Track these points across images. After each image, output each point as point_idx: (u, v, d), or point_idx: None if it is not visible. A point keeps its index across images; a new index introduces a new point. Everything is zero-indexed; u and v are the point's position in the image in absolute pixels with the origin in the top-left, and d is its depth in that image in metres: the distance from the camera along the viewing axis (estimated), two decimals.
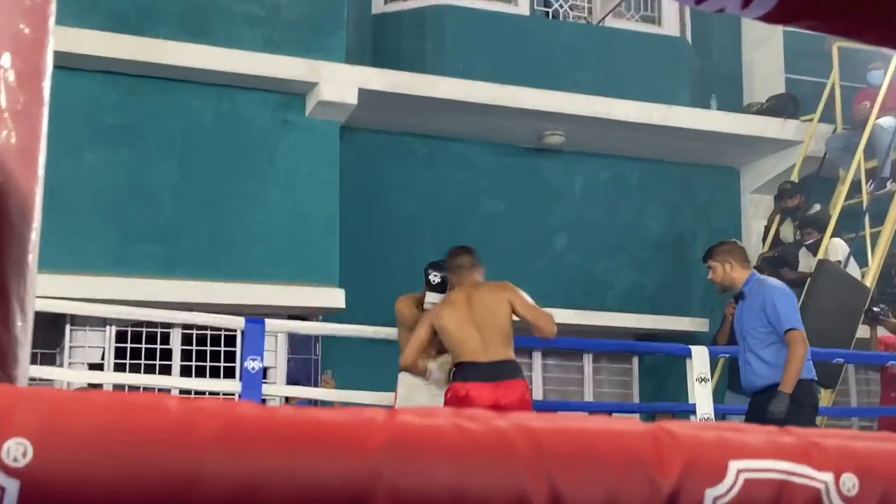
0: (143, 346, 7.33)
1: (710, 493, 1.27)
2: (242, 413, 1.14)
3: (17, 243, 1.56)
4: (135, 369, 7.18)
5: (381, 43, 8.75)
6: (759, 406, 5.04)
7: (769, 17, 1.28)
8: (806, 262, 8.36)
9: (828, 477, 1.33)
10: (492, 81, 8.21)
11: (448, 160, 8.71)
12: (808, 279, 7.76)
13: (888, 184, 8.64)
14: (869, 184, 8.66)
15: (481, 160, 8.79)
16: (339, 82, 7.68)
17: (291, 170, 7.78)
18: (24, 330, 1.65)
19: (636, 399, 8.95)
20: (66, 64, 6.70)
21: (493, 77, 8.27)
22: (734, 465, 1.29)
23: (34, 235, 1.59)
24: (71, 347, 7.23)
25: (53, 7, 1.58)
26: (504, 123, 8.47)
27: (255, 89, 7.68)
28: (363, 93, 7.74)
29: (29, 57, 1.53)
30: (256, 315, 6.68)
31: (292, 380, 7.51)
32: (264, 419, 1.14)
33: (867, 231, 8.42)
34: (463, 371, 5.22)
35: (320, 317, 7.73)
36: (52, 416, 1.05)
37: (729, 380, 7.79)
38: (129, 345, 7.31)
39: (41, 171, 1.58)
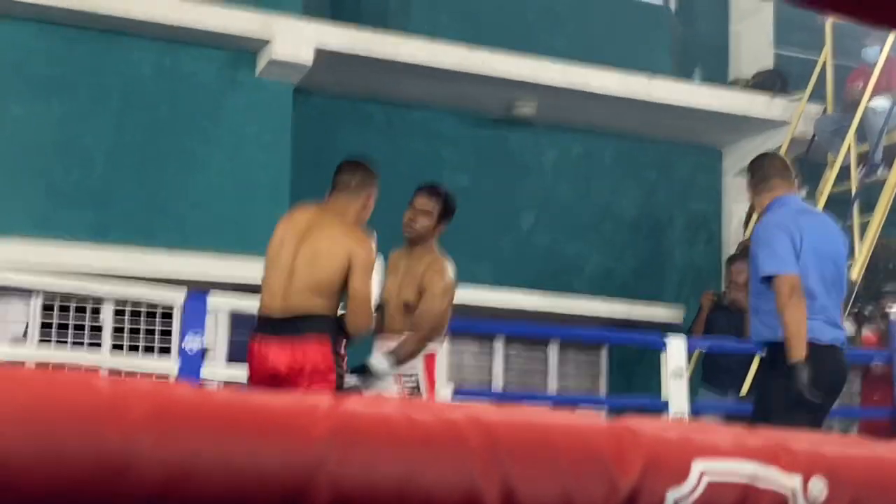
0: (72, 320, 7.29)
1: (672, 495, 1.30)
2: (177, 394, 1.16)
3: None
4: (61, 345, 7.14)
5: None
6: (767, 362, 4.56)
7: None
8: None
9: (795, 481, 1.36)
10: (460, 44, 8.20)
11: (409, 128, 8.71)
12: None
13: (879, 170, 8.74)
14: (859, 169, 8.76)
15: (445, 130, 8.80)
16: (294, 40, 7.65)
17: (238, 132, 7.76)
18: None
19: (604, 392, 9.03)
20: None
21: (461, 39, 8.26)
22: (698, 466, 1.32)
23: None
24: None
25: None
26: (472, 90, 8.48)
27: (201, 44, 7.63)
28: (320, 53, 7.72)
29: None
30: (197, 287, 6.66)
31: (234, 360, 7.50)
32: (200, 401, 1.16)
33: (855, 220, 8.53)
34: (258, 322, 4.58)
35: None
36: None
37: (703, 373, 7.88)
38: (55, 318, 7.27)
39: None
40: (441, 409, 1.29)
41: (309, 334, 4.36)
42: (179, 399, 1.16)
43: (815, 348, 4.35)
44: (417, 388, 4.72)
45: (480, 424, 1.26)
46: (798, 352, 4.28)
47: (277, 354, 4.36)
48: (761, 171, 4.63)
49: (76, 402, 1.09)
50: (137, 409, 1.12)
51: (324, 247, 4.49)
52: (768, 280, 4.40)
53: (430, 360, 4.82)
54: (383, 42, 8.01)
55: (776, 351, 4.42)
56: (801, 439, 1.44)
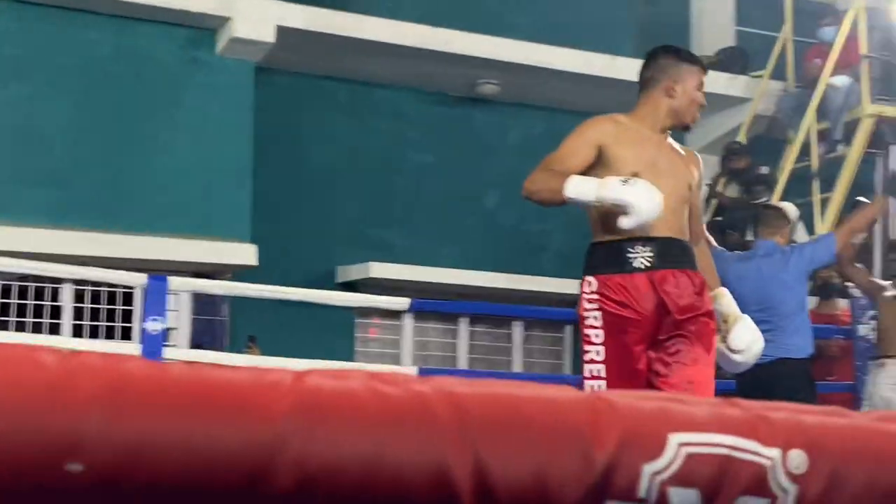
0: (31, 302, 7.19)
1: (648, 469, 1.25)
2: (130, 370, 1.09)
3: None
4: (20, 328, 7.04)
5: None
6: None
7: None
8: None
9: (775, 453, 1.32)
10: (423, 23, 8.14)
11: (373, 108, 8.63)
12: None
13: (839, 147, 8.76)
14: (819, 146, 8.77)
15: (409, 109, 8.73)
16: (255, 18, 7.55)
17: (200, 112, 7.65)
18: None
19: (568, 371, 9.02)
20: None
21: (423, 18, 8.19)
22: (675, 439, 1.27)
23: None
24: None
25: None
26: (435, 69, 8.41)
27: (161, 22, 7.52)
28: (281, 30, 7.62)
29: None
30: (158, 271, 6.57)
31: (196, 343, 7.42)
32: (155, 377, 1.09)
33: (816, 196, 8.54)
34: None
35: (230, 274, 7.63)
36: None
37: None
38: (14, 300, 7.17)
39: None
40: (408, 381, 1.23)
41: None
42: (132, 374, 1.09)
43: None
44: None
45: (450, 397, 1.20)
46: None
47: None
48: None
49: (20, 379, 1.02)
50: (87, 386, 1.05)
51: None
52: None
53: None
54: (345, 20, 7.93)
55: None
56: (781, 409, 1.39)
